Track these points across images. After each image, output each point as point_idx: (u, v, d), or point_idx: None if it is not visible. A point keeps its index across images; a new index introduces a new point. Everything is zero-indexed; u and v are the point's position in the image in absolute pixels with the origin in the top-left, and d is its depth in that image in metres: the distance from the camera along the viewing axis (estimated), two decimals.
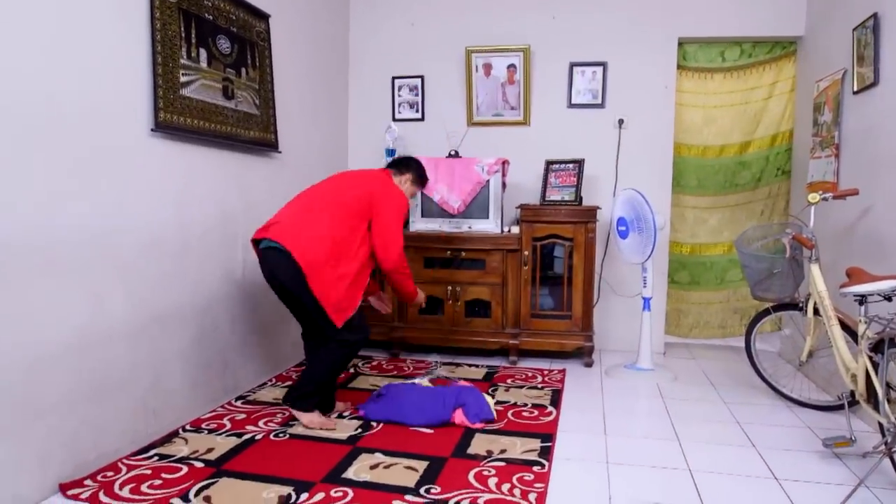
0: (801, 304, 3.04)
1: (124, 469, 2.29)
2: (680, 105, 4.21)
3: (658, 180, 4.14)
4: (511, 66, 4.25)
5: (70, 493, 2.10)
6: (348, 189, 2.79)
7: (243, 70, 3.10)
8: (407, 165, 3.10)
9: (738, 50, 4.17)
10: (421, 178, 3.16)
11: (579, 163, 3.97)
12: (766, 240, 3.23)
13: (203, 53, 2.81)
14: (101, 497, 2.08)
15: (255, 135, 3.21)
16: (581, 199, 3.90)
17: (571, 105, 4.26)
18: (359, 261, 2.68)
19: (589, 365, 3.86)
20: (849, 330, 2.71)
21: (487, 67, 4.29)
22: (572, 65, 4.23)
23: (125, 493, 2.11)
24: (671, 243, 4.29)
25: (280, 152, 3.48)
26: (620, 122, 4.19)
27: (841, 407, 2.81)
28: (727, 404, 3.20)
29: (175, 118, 2.63)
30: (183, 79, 2.68)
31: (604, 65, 4.19)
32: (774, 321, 3.76)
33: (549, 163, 4.06)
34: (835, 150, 3.33)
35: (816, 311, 2.89)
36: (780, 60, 4.15)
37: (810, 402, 3.14)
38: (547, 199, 3.97)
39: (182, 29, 2.67)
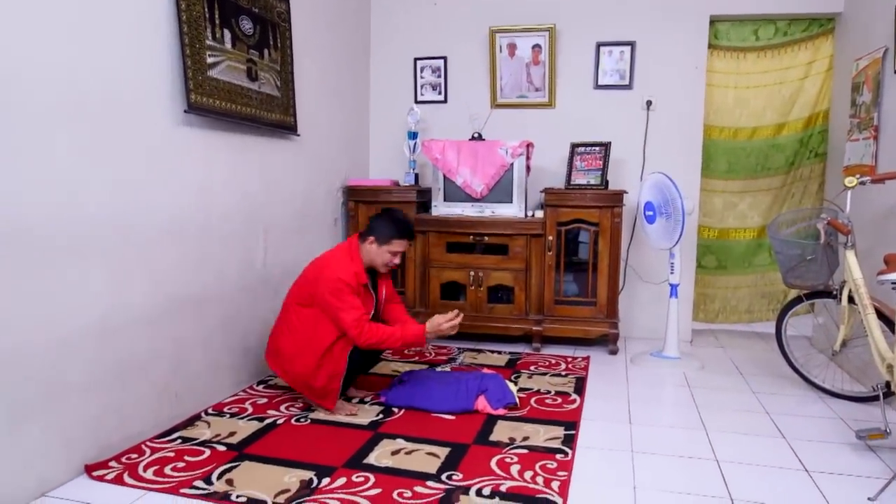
0: (835, 292, 2.94)
1: (148, 451, 2.31)
2: (711, 86, 4.09)
3: (687, 164, 4.03)
4: (536, 47, 4.16)
5: (95, 474, 2.12)
6: (301, 281, 2.79)
7: (265, 51, 3.07)
8: (371, 227, 2.76)
9: (772, 28, 4.03)
10: (386, 235, 2.71)
11: (606, 146, 3.89)
12: (800, 225, 3.13)
13: (227, 34, 2.79)
14: (126, 478, 2.10)
15: (276, 117, 3.18)
16: (607, 182, 3.82)
17: (598, 86, 4.17)
18: (321, 344, 2.62)
19: (614, 352, 3.81)
20: (885, 319, 2.62)
21: (512, 48, 4.21)
22: (599, 44, 4.13)
23: (149, 474, 2.13)
24: (699, 227, 4.19)
25: (298, 135, 3.45)
26: (649, 103, 4.08)
27: (875, 398, 2.72)
28: (756, 394, 3.13)
29: (205, 100, 2.63)
30: (209, 60, 2.66)
31: (632, 44, 4.08)
32: (806, 307, 3.66)
33: (574, 146, 3.98)
34: (873, 132, 3.20)
35: (851, 300, 2.80)
36: (817, 38, 4.00)
37: (843, 393, 3.06)
38: (572, 182, 3.90)
39: (206, 9, 2.64)
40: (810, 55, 4.02)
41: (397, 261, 2.80)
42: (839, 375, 3.27)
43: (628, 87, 4.12)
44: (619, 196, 3.71)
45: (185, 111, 2.54)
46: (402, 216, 2.85)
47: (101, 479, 2.10)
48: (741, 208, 4.22)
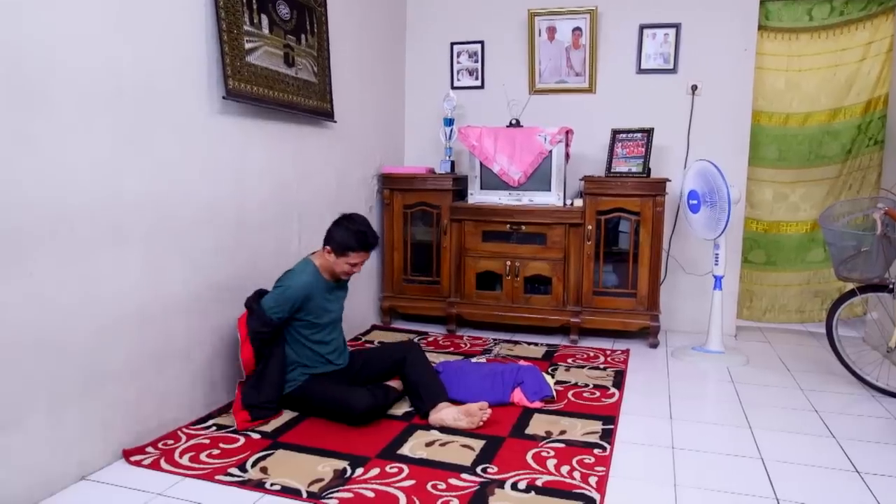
0: (891, 286, 2.81)
1: (184, 438, 2.33)
2: (760, 69, 3.92)
3: (734, 151, 3.88)
4: (576, 30, 4.05)
5: (133, 459, 2.15)
6: None
7: (302, 37, 3.05)
8: (328, 236, 2.59)
9: (827, 7, 3.84)
10: (343, 246, 2.53)
11: (648, 132, 3.77)
12: (855, 215, 2.99)
13: (265, 20, 2.77)
14: (163, 464, 2.12)
15: (313, 103, 3.17)
16: (649, 170, 3.71)
17: (640, 70, 4.04)
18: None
19: (654, 346, 3.71)
20: None
21: (551, 31, 4.10)
22: (642, 27, 3.99)
23: (185, 460, 2.15)
24: (745, 220, 4.04)
25: (335, 122, 3.43)
26: (694, 88, 3.94)
27: None
28: (804, 391, 3.00)
29: (243, 86, 2.62)
30: (247, 46, 2.66)
31: (677, 26, 3.94)
32: (860, 304, 3.51)
33: (615, 132, 3.87)
34: None
35: None
36: (876, 18, 3.79)
37: None
38: (613, 170, 3.80)
39: None
40: (869, 35, 3.81)
41: (357, 270, 2.63)
42: (894, 373, 3.12)
43: (672, 71, 3.98)
44: (661, 184, 3.60)
45: (223, 97, 2.53)
46: (361, 224, 2.59)
47: (138, 464, 2.13)
48: (792, 200, 4.05)
